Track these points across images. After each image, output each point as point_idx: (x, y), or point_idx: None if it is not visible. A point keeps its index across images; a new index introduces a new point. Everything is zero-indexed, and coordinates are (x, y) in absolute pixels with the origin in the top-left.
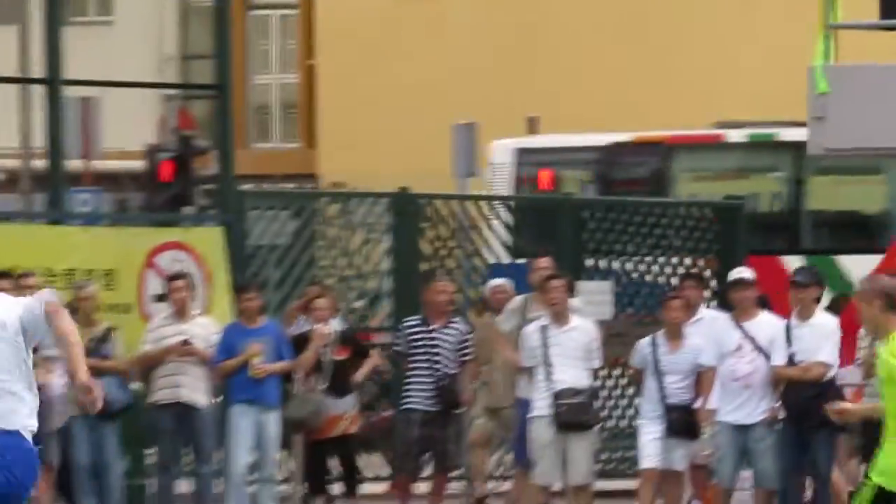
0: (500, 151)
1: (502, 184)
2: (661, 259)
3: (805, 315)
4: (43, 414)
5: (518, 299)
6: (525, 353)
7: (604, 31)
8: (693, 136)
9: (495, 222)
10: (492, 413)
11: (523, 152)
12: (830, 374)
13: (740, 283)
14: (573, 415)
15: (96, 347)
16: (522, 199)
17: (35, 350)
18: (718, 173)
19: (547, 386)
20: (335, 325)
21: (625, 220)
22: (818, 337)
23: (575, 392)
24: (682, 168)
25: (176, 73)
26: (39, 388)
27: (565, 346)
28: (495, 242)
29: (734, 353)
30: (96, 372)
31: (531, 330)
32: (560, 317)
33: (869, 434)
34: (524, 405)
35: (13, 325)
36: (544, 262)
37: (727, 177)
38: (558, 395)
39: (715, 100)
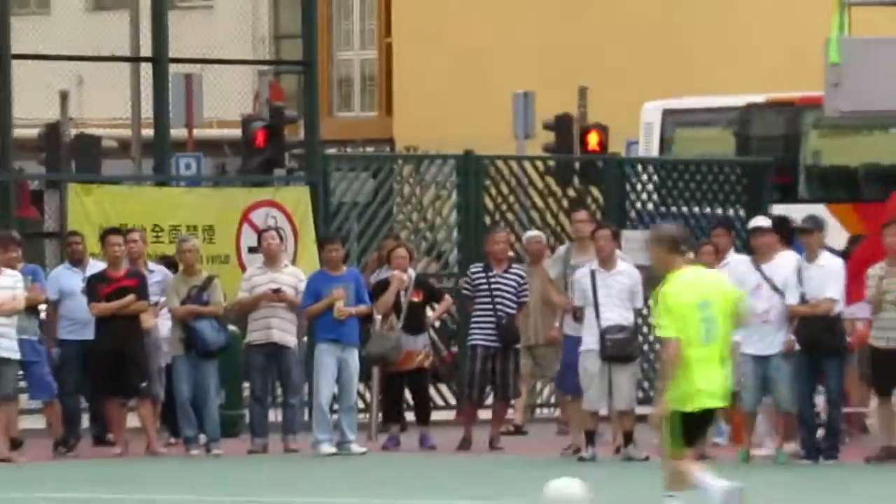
0: (650, 112)
1: (652, 141)
2: (696, 210)
3: (812, 257)
4: (150, 354)
5: (561, 248)
6: (576, 294)
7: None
8: (822, 97)
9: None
10: (529, 351)
11: (669, 113)
12: (837, 308)
13: (758, 230)
14: (618, 349)
15: (198, 294)
16: (574, 158)
17: (144, 297)
18: (843, 130)
19: (595, 323)
20: (411, 272)
21: (663, 177)
22: (825, 276)
23: (620, 329)
24: (810, 126)
25: (268, 51)
26: (146, 332)
27: (612, 289)
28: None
29: (753, 291)
30: (197, 316)
31: (581, 274)
32: (607, 262)
33: (874, 364)
34: (569, 341)
35: None
36: (582, 216)
37: (851, 134)
38: (605, 332)
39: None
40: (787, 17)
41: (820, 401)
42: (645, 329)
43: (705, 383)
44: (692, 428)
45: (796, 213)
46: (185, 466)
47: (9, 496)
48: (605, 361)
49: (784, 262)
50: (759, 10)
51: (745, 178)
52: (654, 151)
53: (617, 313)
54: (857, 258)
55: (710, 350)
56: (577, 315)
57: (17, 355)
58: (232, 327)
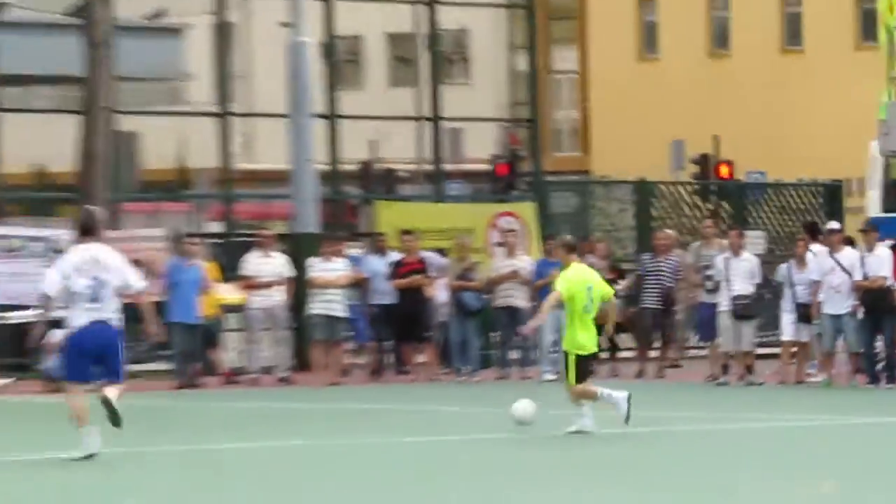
0: (875, 148)
1: (877, 171)
2: (794, 217)
3: (870, 248)
4: (432, 313)
5: (694, 244)
6: (714, 273)
7: (767, 78)
8: None
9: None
10: None
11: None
12: (888, 283)
13: (832, 230)
14: (743, 309)
15: (465, 274)
16: (711, 183)
17: (427, 275)
18: None
19: (728, 293)
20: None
21: (771, 193)
22: (880, 261)
23: (745, 297)
24: None
25: (507, 112)
26: (429, 299)
27: (738, 269)
28: (876, 202)
29: (830, 272)
30: (464, 289)
31: (719, 260)
32: (736, 252)
33: None
34: (704, 306)
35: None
36: (708, 223)
37: None
38: (735, 298)
39: None
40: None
41: (879, 345)
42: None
43: (588, 337)
44: (586, 365)
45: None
46: (456, 387)
47: (336, 407)
48: (735, 318)
49: (850, 251)
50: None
51: (825, 194)
52: (878, 178)
53: (742, 286)
54: None
55: (590, 316)
56: (709, 287)
57: (344, 314)
58: (486, 296)
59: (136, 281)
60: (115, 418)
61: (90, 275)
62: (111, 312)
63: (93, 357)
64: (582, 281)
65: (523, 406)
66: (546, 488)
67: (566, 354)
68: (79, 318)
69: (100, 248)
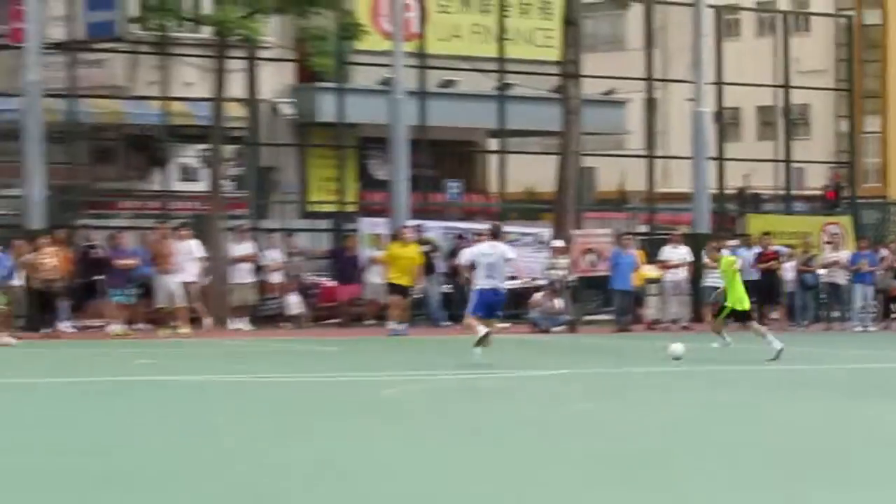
0: None
1: None
2: None
3: None
4: (781, 287)
5: None
6: None
7: None
8: None
9: None
10: None
11: None
12: None
13: None
14: None
15: (807, 261)
16: None
17: (777, 259)
18: None
19: None
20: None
21: None
22: None
23: None
24: None
25: (834, 157)
26: (780, 277)
27: None
28: None
29: None
30: (806, 271)
31: None
32: None
33: None
34: None
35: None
36: None
37: None
38: None
39: None
40: None
41: None
42: None
43: (744, 296)
44: (742, 315)
45: None
46: (797, 335)
47: (716, 347)
48: None
49: None
50: None
51: None
52: None
53: None
54: None
55: (741, 283)
56: None
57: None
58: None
59: (511, 266)
60: (483, 340)
61: (490, 258)
62: (500, 282)
63: (487, 306)
64: (731, 261)
65: (675, 346)
66: (806, 399)
67: (724, 307)
68: (484, 283)
69: (498, 244)
